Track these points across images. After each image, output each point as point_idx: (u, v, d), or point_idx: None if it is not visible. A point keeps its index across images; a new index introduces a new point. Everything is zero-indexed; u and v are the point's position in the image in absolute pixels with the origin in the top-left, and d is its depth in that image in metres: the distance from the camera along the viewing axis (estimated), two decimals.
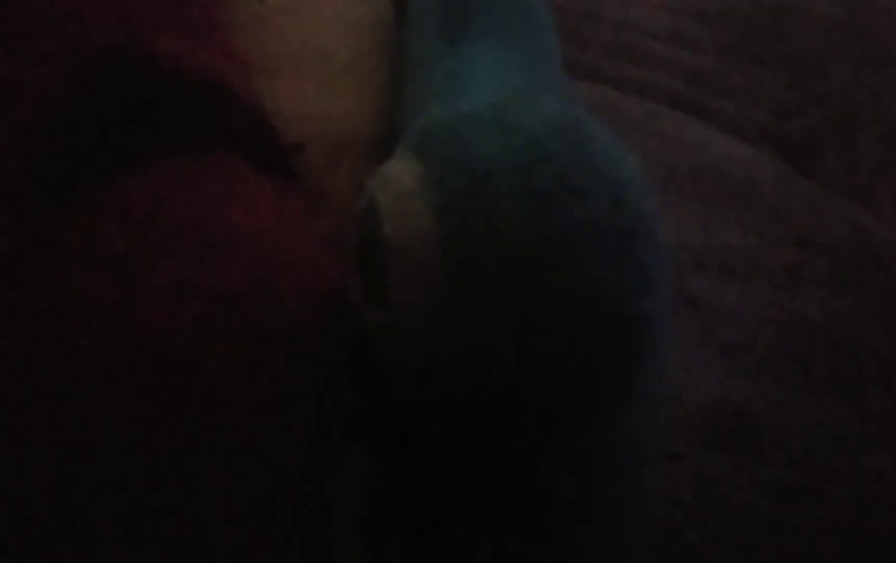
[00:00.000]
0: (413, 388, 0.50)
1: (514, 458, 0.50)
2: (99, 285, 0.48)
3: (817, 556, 0.82)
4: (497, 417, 0.49)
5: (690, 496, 0.84)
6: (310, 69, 0.67)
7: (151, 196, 0.50)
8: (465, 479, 0.52)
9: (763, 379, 0.93)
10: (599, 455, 0.52)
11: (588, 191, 0.48)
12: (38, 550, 0.47)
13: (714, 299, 0.97)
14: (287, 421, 0.50)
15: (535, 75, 0.64)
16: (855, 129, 1.24)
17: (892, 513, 0.86)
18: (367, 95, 0.68)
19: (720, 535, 0.82)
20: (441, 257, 0.48)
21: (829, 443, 0.89)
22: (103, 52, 0.53)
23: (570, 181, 0.48)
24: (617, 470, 0.53)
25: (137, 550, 0.47)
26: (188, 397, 0.47)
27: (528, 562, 0.53)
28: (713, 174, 1.09)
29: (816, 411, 0.91)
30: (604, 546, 0.55)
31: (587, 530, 0.54)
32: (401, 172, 0.50)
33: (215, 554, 0.48)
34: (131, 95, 0.53)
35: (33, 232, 0.48)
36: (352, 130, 0.67)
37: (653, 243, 0.50)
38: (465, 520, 0.52)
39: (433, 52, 0.65)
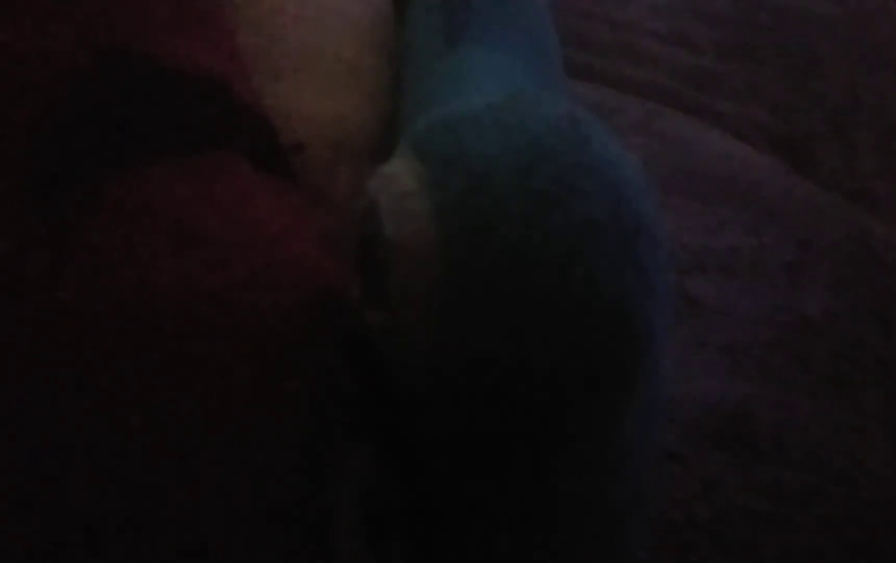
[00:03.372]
0: (413, 387, 0.50)
1: (514, 458, 0.50)
2: (99, 285, 0.48)
3: (817, 556, 0.82)
4: (497, 417, 0.49)
5: (690, 497, 0.84)
6: (310, 70, 0.67)
7: (151, 196, 0.50)
8: (466, 479, 0.52)
9: (763, 379, 0.93)
10: (600, 455, 0.52)
11: (588, 191, 0.48)
12: (39, 550, 0.47)
13: (714, 299, 0.97)
14: (287, 421, 0.50)
15: (535, 75, 0.65)
16: (855, 129, 1.24)
17: (892, 513, 0.86)
18: (367, 96, 0.68)
19: (720, 535, 0.82)
20: (441, 257, 0.48)
21: (829, 443, 0.89)
22: (104, 52, 0.53)
23: (570, 181, 0.48)
24: (617, 470, 0.53)
25: (137, 549, 0.47)
26: (189, 397, 0.47)
27: (529, 562, 0.53)
28: (713, 174, 1.09)
29: (816, 411, 0.91)
30: (604, 546, 0.55)
31: (587, 530, 0.54)
32: (401, 172, 0.50)
33: (215, 554, 0.48)
34: (132, 95, 0.53)
35: (33, 232, 0.48)
36: (352, 131, 0.67)
37: (653, 243, 0.50)
38: (465, 520, 0.52)
39: (433, 52, 0.65)
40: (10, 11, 0.53)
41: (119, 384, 0.47)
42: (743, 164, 1.12)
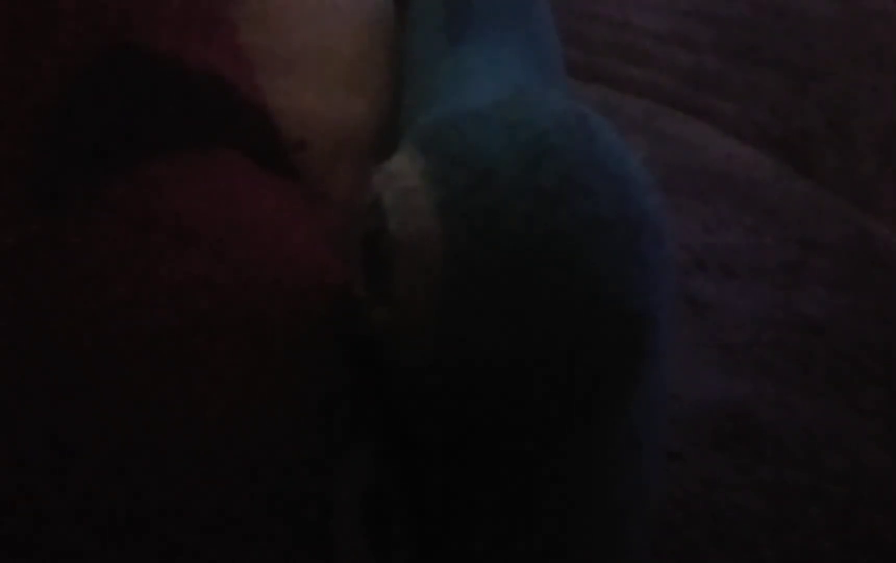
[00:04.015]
0: (416, 384, 0.50)
1: (516, 455, 0.50)
2: (99, 284, 0.48)
3: (817, 556, 0.83)
4: (499, 413, 0.49)
5: (690, 496, 0.84)
6: (312, 67, 0.67)
7: (153, 194, 0.50)
8: (467, 477, 0.52)
9: (763, 379, 0.93)
10: (602, 453, 0.52)
11: (593, 187, 0.48)
12: (40, 550, 0.47)
13: (714, 298, 0.97)
14: (288, 419, 0.50)
15: (536, 74, 0.65)
16: (855, 129, 1.24)
17: (892, 513, 0.86)
18: (369, 93, 0.68)
19: (720, 535, 0.82)
20: (445, 253, 0.48)
21: (829, 443, 0.89)
22: (105, 49, 0.53)
23: (575, 177, 0.48)
24: (619, 468, 0.53)
25: (139, 546, 0.47)
26: (189, 395, 0.47)
27: (529, 561, 0.53)
28: (713, 174, 1.10)
29: (816, 410, 0.92)
30: (604, 545, 0.55)
31: (588, 528, 0.54)
32: (405, 168, 0.50)
33: (215, 553, 0.48)
34: (133, 92, 0.53)
35: (33, 231, 0.48)
36: (353, 128, 0.67)
37: (657, 240, 0.50)
38: (465, 519, 0.52)
39: (435, 50, 0.65)
40: (11, 9, 0.53)
41: (120, 383, 0.47)
42: (743, 163, 1.13)
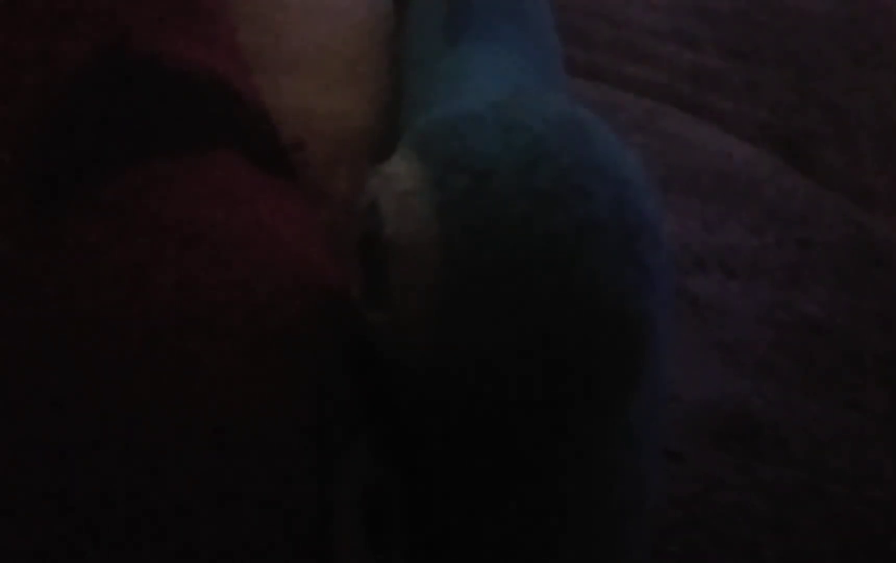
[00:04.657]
0: (414, 387, 0.50)
1: (515, 457, 0.50)
2: (99, 285, 0.48)
3: (817, 556, 0.83)
4: (498, 416, 0.49)
5: (690, 496, 0.84)
6: (311, 67, 0.67)
7: (152, 195, 0.50)
8: (466, 477, 0.52)
9: (763, 379, 0.93)
10: (601, 454, 0.52)
11: (590, 190, 0.48)
12: (40, 552, 0.47)
13: (714, 298, 0.97)
14: (287, 420, 0.50)
15: (536, 74, 0.64)
16: (855, 128, 1.24)
17: (892, 513, 0.86)
18: (368, 94, 0.68)
19: (720, 535, 0.82)
20: (442, 257, 0.48)
21: (829, 443, 0.90)
22: (104, 50, 0.53)
23: (572, 180, 0.48)
24: (618, 469, 0.53)
25: (136, 549, 0.47)
26: (189, 396, 0.47)
27: (529, 561, 0.53)
28: (713, 173, 1.10)
29: (816, 410, 0.92)
30: (604, 545, 0.55)
31: (587, 529, 0.54)
32: (401, 171, 0.50)
33: (214, 554, 0.48)
34: (132, 93, 0.53)
35: (33, 232, 0.48)
36: (352, 129, 0.67)
37: (655, 242, 0.49)
38: (465, 519, 0.52)
39: (434, 51, 0.65)
40: (9, 10, 0.53)
41: (119, 384, 0.47)
42: (743, 162, 1.12)
